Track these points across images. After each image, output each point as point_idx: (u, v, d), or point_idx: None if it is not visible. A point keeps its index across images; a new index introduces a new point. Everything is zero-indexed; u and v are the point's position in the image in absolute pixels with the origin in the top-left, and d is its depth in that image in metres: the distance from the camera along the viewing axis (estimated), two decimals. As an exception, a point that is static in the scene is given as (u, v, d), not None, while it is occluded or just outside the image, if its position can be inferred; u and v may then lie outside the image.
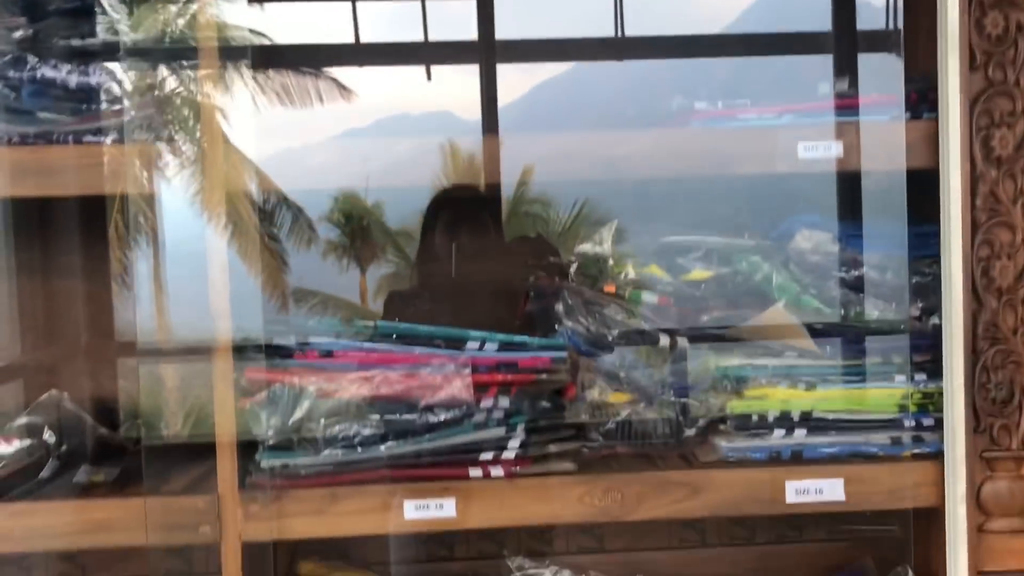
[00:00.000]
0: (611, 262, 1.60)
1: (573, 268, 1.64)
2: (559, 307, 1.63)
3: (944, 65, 1.41)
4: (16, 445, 1.46)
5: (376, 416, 1.48)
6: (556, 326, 1.62)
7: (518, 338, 1.52)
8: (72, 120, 1.41)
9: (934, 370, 1.52)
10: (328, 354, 1.49)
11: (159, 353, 1.98)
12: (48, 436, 1.51)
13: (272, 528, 1.45)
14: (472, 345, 1.51)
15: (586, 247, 1.64)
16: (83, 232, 2.17)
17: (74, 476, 1.50)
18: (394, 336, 1.53)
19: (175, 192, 1.76)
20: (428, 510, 1.46)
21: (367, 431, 1.47)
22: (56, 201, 2.01)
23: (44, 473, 1.47)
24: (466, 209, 2.38)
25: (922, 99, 1.49)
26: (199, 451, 1.63)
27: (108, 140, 1.40)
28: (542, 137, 1.70)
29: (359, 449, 1.47)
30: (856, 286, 1.59)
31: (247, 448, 1.48)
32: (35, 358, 1.93)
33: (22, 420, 1.47)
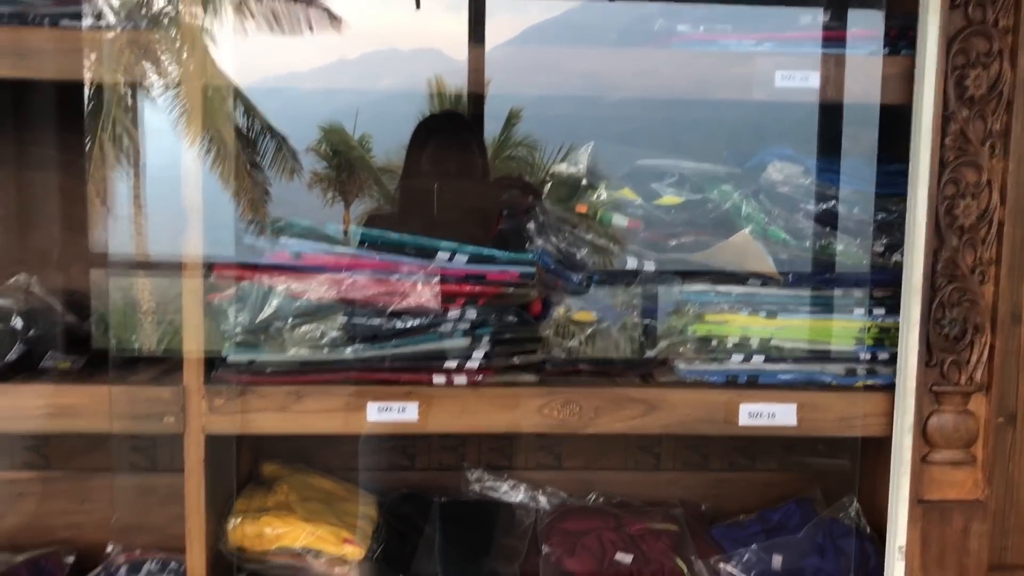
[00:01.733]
0: (584, 182, 1.61)
1: (547, 187, 1.65)
2: (531, 225, 1.64)
3: (925, 1, 1.42)
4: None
5: (343, 319, 1.49)
6: (527, 244, 1.64)
7: (487, 251, 1.53)
8: (49, 2, 1.39)
9: (893, 306, 1.55)
10: (298, 256, 1.50)
11: (132, 265, 1.97)
12: (15, 321, 1.51)
13: (236, 422, 1.48)
14: (442, 256, 1.53)
15: (561, 167, 1.65)
16: (59, 125, 2.15)
17: (40, 361, 1.51)
18: (366, 243, 1.54)
19: (159, 114, 1.75)
20: (391, 412, 1.49)
21: (334, 333, 1.49)
22: (32, 91, 1.99)
23: (10, 356, 1.48)
24: (451, 136, 2.37)
25: (902, 35, 1.50)
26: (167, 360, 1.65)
27: (85, 25, 1.38)
28: (526, 50, 1.70)
29: (325, 350, 1.49)
30: (823, 220, 1.61)
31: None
32: (5, 247, 1.93)
33: (-10, 302, 1.47)
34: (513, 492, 1.90)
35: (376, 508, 1.78)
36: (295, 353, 1.48)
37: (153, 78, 1.54)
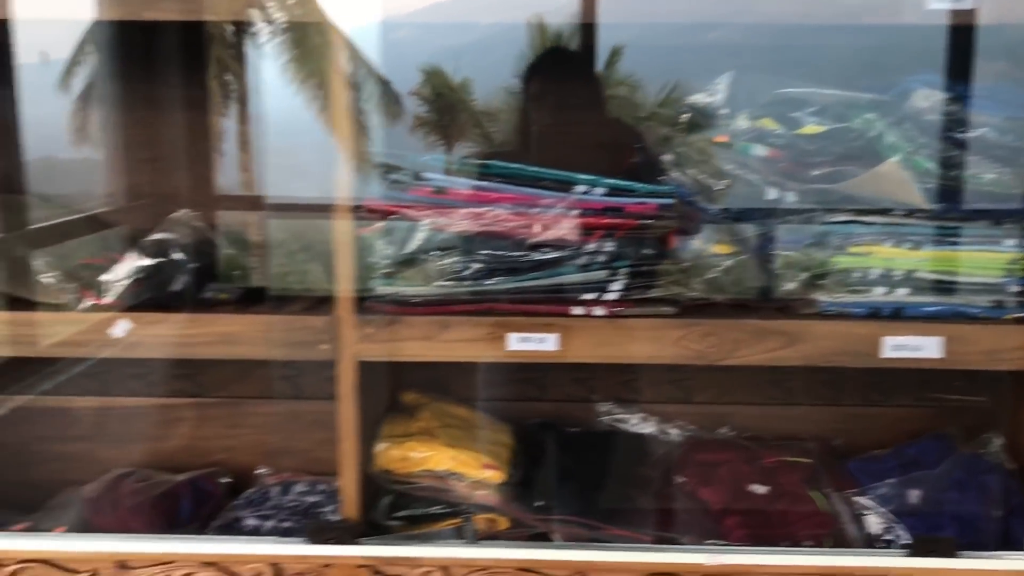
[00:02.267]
0: (725, 111, 1.59)
1: (685, 118, 1.64)
2: (667, 157, 1.64)
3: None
4: (147, 261, 1.55)
5: (485, 252, 1.52)
6: (663, 177, 1.64)
7: (625, 183, 1.54)
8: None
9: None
10: (441, 190, 1.53)
11: (284, 208, 2.06)
12: (176, 254, 1.60)
13: (385, 349, 1.54)
14: (580, 188, 1.54)
15: (699, 97, 1.64)
16: (184, 67, 2.25)
17: (201, 292, 1.60)
18: (504, 178, 1.57)
19: (267, 59, 1.79)
20: (530, 343, 1.53)
21: (476, 265, 1.53)
22: (159, 34, 2.08)
23: (175, 286, 1.57)
24: (568, 72, 2.36)
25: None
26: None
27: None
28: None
29: (468, 282, 1.53)
30: (972, 148, 1.56)
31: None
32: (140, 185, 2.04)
33: (156, 236, 1.56)
34: (643, 425, 1.93)
35: (511, 436, 1.84)
36: (439, 285, 1.52)
37: (262, 23, 1.58)
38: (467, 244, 1.53)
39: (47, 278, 1.50)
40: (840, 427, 1.96)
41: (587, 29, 2.32)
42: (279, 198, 2.18)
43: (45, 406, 1.99)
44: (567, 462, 1.79)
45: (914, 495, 1.73)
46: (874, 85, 1.63)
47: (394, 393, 1.91)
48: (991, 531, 1.64)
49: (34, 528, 1.73)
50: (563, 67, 2.38)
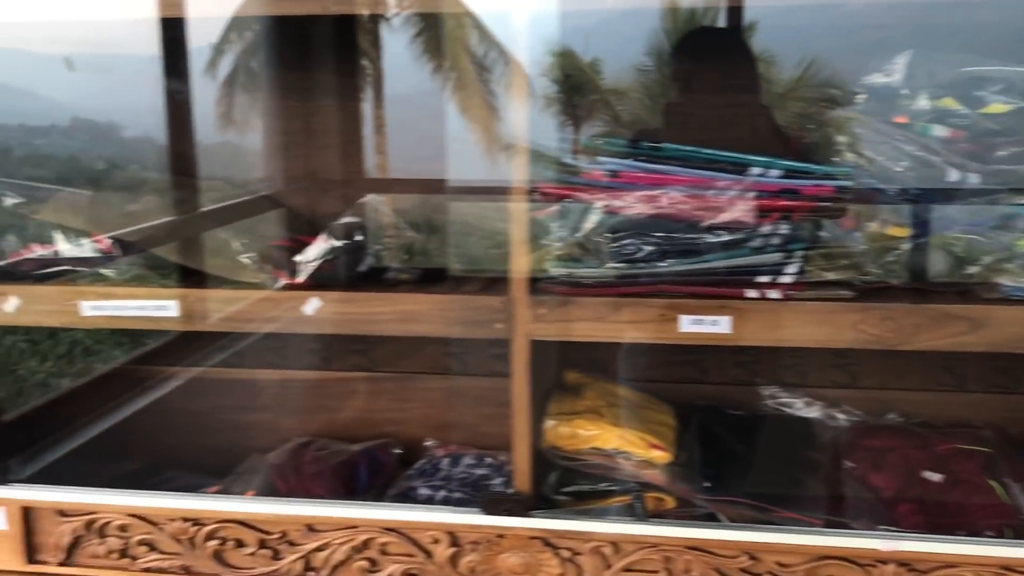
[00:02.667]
0: (905, 91, 1.56)
1: (861, 99, 1.61)
2: (841, 138, 1.62)
3: None
4: (336, 243, 1.64)
5: (658, 234, 1.54)
6: (835, 158, 1.62)
7: (802, 165, 1.53)
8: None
9: None
10: (614, 174, 1.56)
11: (465, 191, 2.14)
12: (359, 236, 1.68)
13: (557, 329, 1.58)
14: (755, 170, 1.54)
15: (875, 77, 1.61)
16: (331, 54, 2.34)
17: (384, 273, 1.68)
18: (677, 159, 1.58)
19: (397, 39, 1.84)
20: (703, 325, 1.54)
21: (649, 247, 1.55)
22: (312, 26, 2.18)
23: (361, 267, 1.66)
24: (720, 50, 2.32)
25: None
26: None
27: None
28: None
29: (640, 264, 1.55)
30: None
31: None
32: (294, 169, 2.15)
33: (344, 220, 1.65)
34: (808, 409, 1.91)
35: (674, 417, 1.86)
36: (613, 267, 1.55)
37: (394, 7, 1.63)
38: (640, 226, 1.55)
39: (245, 259, 1.60)
40: (1016, 415, 1.89)
41: (731, 10, 2.29)
42: (457, 181, 2.25)
43: (231, 377, 2.13)
44: (733, 444, 1.80)
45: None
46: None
47: (558, 372, 1.96)
48: None
49: (225, 491, 1.86)
50: (715, 46, 2.35)
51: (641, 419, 1.78)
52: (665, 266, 1.55)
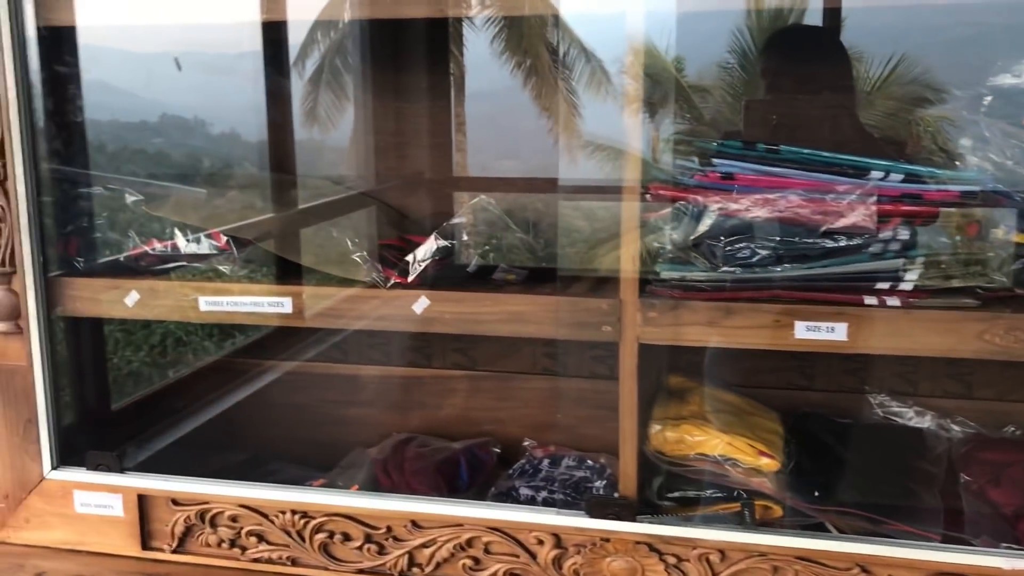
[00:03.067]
0: (1037, 94, 1.50)
1: (987, 100, 1.56)
2: (964, 141, 1.57)
3: None
4: (445, 243, 1.65)
5: (774, 238, 1.52)
6: (957, 161, 1.57)
7: (925, 169, 1.48)
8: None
9: None
10: (729, 176, 1.54)
11: (574, 189, 2.15)
12: (466, 237, 1.69)
13: (667, 333, 1.56)
14: (876, 174, 1.50)
15: (1004, 78, 1.55)
16: (427, 57, 2.36)
17: (493, 272, 1.69)
18: (792, 162, 1.55)
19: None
20: (819, 332, 1.50)
21: (764, 252, 1.52)
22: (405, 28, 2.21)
23: (471, 267, 1.67)
24: (812, 49, 2.25)
25: None
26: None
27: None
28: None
29: (755, 268, 1.53)
30: None
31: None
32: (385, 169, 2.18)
33: (453, 220, 1.66)
34: (919, 419, 1.86)
35: (781, 424, 1.82)
36: (726, 271, 1.53)
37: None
38: (756, 230, 1.52)
39: (357, 257, 1.63)
40: None
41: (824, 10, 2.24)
42: (571, 180, 2.24)
43: (335, 372, 2.16)
44: (842, 453, 1.76)
45: None
46: None
47: (661, 376, 1.94)
48: None
49: (330, 484, 1.89)
50: (808, 44, 2.28)
51: (748, 425, 1.75)
52: (780, 271, 1.52)
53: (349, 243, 1.67)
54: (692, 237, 1.54)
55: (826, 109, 2.08)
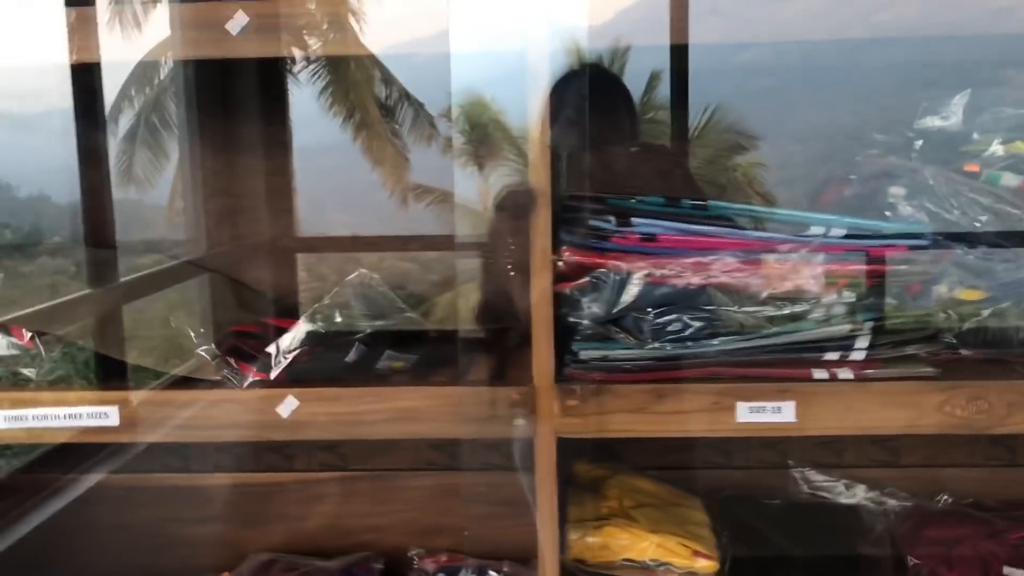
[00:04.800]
0: (976, 136, 1.37)
1: (917, 144, 1.41)
2: (894, 190, 1.41)
3: None
4: (310, 328, 1.35)
5: (708, 307, 1.31)
6: (888, 212, 1.41)
7: (870, 223, 1.32)
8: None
9: None
10: (651, 237, 1.32)
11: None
12: (340, 319, 1.39)
13: (590, 424, 1.32)
14: (816, 230, 1.32)
15: (932, 120, 1.41)
16: (260, 106, 2.09)
17: (377, 361, 1.39)
18: (717, 219, 1.35)
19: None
20: (764, 413, 1.30)
21: (698, 323, 1.31)
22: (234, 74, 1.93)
23: (349, 357, 1.37)
24: (599, 94, 2.03)
25: None
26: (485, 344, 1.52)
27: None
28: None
29: (689, 343, 1.31)
30: None
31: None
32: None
33: (327, 300, 1.36)
34: (850, 494, 1.69)
35: (707, 513, 1.61)
36: (655, 347, 1.30)
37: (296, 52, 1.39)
38: (687, 299, 1.31)
39: (203, 352, 1.30)
40: (1076, 491, 1.70)
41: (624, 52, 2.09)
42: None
43: (173, 484, 1.79)
44: (777, 542, 1.56)
45: None
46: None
47: (566, 463, 1.69)
48: None
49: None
50: (592, 86, 2.03)
51: (675, 519, 1.52)
52: (717, 344, 1.31)
53: (192, 334, 1.34)
54: (614, 310, 1.31)
55: (651, 157, 1.90)
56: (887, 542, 1.58)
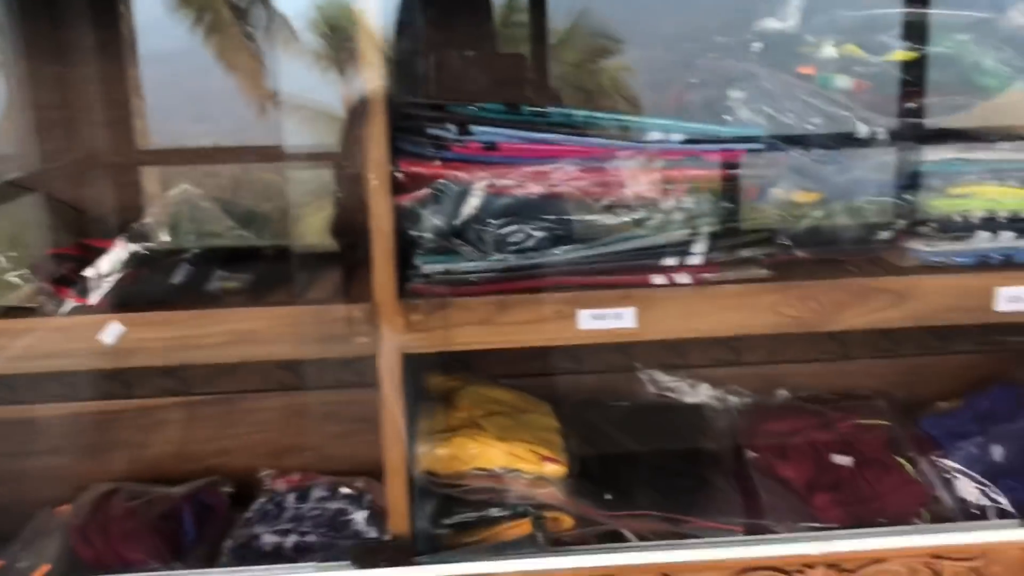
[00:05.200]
0: (810, 38, 1.38)
1: (755, 47, 1.42)
2: (735, 94, 1.42)
3: None
4: (135, 248, 1.27)
5: (550, 216, 1.29)
6: (727, 116, 1.42)
7: (710, 127, 1.32)
8: None
9: None
10: (492, 146, 1.29)
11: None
12: (166, 238, 1.31)
13: (436, 339, 1.30)
14: (655, 135, 1.31)
15: (769, 23, 1.42)
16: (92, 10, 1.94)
17: (208, 281, 1.32)
18: (559, 126, 1.32)
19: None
20: (605, 320, 1.31)
21: (540, 233, 1.29)
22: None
23: (176, 278, 1.29)
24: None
25: None
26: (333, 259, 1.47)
27: None
28: None
29: (531, 253, 1.30)
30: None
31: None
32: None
33: (148, 219, 1.27)
34: (695, 393, 1.74)
35: (556, 419, 1.63)
36: (498, 259, 1.29)
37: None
38: (529, 209, 1.29)
39: (13, 276, 1.20)
40: (900, 379, 1.81)
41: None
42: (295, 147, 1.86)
43: (1, 417, 1.69)
44: (625, 444, 1.59)
45: (998, 452, 1.60)
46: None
47: (419, 377, 1.67)
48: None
49: (9, 567, 1.45)
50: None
51: (525, 426, 1.54)
52: (560, 254, 1.30)
53: (2, 258, 1.23)
54: (456, 222, 1.28)
55: (501, 62, 1.84)
56: (729, 437, 1.63)
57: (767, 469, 1.55)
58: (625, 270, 1.32)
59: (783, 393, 1.76)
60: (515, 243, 1.29)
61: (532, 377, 1.76)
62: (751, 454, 1.58)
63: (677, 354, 1.81)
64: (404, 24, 1.80)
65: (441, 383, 1.65)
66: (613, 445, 1.60)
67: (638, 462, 1.55)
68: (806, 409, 1.67)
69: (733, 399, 1.73)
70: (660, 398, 1.74)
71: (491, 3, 1.93)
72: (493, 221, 1.28)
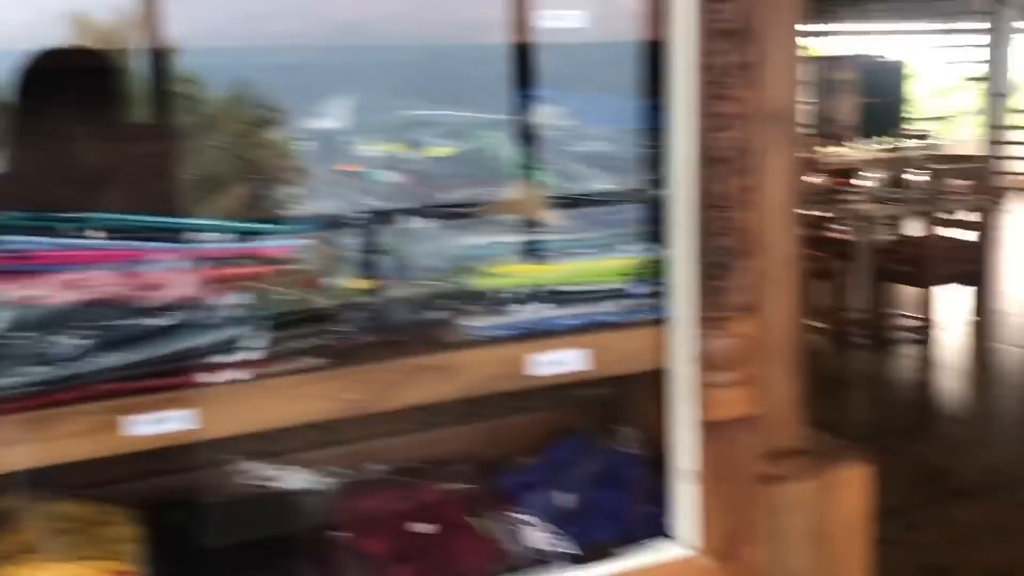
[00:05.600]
0: (356, 139, 1.48)
1: (309, 145, 1.49)
2: (288, 191, 1.49)
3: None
4: None
5: (88, 324, 1.26)
6: (281, 211, 1.48)
7: (256, 225, 1.36)
8: None
9: (661, 239, 1.59)
10: (27, 256, 1.24)
11: None
12: None
13: (-33, 465, 1.21)
14: (201, 236, 1.33)
15: (320, 122, 1.50)
16: None
17: None
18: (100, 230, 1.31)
19: None
20: (165, 424, 1.30)
21: (89, 341, 1.26)
22: None
23: None
24: (78, 81, 1.81)
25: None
26: None
27: None
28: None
29: (72, 363, 1.26)
30: (589, 159, 1.61)
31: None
32: None
33: None
34: (291, 479, 1.75)
35: (133, 526, 1.57)
36: (36, 372, 1.23)
37: None
38: (67, 318, 1.25)
39: None
40: (489, 439, 1.94)
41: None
42: None
43: None
44: (213, 542, 1.57)
45: (568, 499, 1.76)
46: (494, 104, 1.61)
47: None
48: (640, 520, 1.72)
49: None
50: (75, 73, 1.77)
51: (99, 540, 1.47)
52: (104, 361, 1.27)
53: None
54: (-13, 336, 1.21)
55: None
56: (322, 520, 1.66)
57: (352, 547, 1.59)
58: (177, 371, 1.31)
59: (377, 468, 1.82)
60: (61, 354, 1.24)
61: (114, 485, 1.67)
62: (339, 534, 1.62)
63: (271, 442, 1.81)
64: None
65: (5, 505, 1.52)
66: (199, 546, 1.56)
67: (223, 560, 1.53)
68: (394, 481, 1.75)
69: (329, 480, 1.76)
70: (256, 489, 1.73)
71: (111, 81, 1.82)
72: (27, 334, 1.22)
